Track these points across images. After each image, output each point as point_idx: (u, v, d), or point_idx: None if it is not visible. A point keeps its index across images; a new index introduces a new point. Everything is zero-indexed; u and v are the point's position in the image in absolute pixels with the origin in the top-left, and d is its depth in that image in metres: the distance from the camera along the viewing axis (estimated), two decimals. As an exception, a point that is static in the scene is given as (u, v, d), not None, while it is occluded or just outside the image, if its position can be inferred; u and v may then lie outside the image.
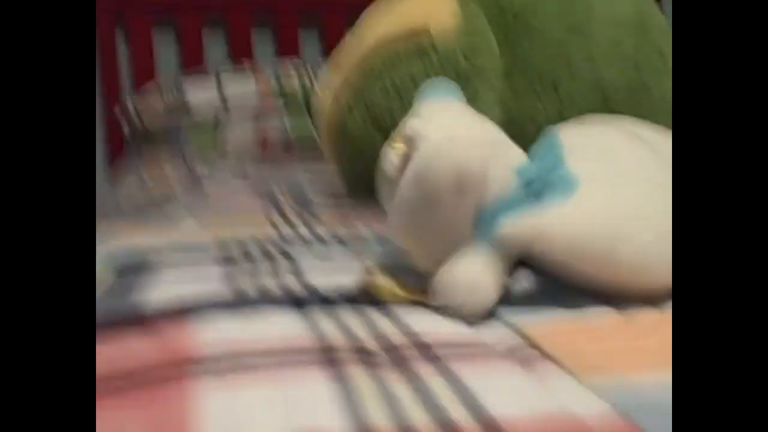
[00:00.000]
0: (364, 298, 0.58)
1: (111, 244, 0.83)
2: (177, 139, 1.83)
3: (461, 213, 0.54)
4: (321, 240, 0.83)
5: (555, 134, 0.65)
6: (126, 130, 1.97)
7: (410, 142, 0.56)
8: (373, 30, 1.07)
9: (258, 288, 0.60)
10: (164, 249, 0.78)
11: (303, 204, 1.08)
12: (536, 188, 0.56)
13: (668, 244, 0.54)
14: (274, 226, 0.93)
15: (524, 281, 0.56)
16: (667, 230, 0.55)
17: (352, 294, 0.58)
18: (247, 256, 0.74)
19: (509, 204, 0.55)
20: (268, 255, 0.73)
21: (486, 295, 0.54)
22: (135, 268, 0.70)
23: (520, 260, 0.56)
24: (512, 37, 1.08)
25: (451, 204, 0.53)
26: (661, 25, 1.11)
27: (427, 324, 0.52)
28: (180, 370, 0.44)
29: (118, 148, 2.05)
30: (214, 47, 2.18)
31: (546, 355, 0.47)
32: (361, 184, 1.07)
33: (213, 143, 1.79)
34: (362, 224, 0.90)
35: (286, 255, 0.73)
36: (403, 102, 0.99)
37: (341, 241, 0.82)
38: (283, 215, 1.01)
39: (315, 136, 1.76)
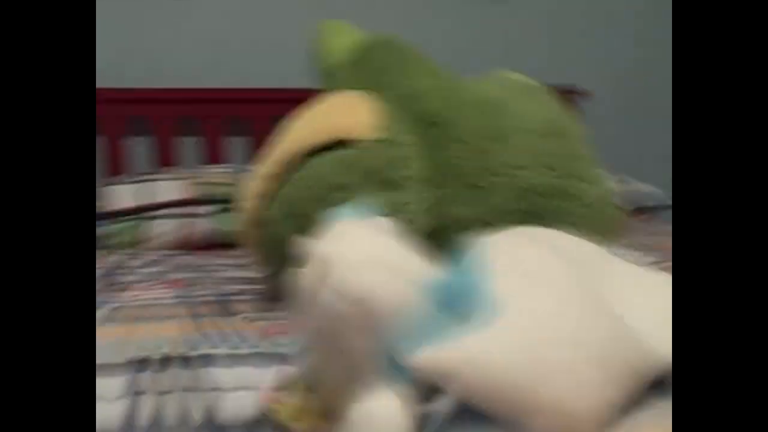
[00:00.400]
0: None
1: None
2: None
3: (366, 346, 0.51)
4: (238, 353, 0.79)
5: (477, 246, 0.61)
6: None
7: (319, 268, 0.53)
8: (297, 132, 1.07)
9: (156, 418, 0.56)
10: None
11: (224, 308, 1.03)
12: (452, 305, 0.52)
13: (598, 369, 0.50)
14: (191, 327, 0.88)
15: (444, 405, 0.51)
16: (595, 355, 0.51)
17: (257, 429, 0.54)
18: (156, 364, 0.69)
19: (418, 328, 0.50)
20: (176, 371, 0.69)
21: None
22: None
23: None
24: (434, 145, 1.09)
25: (354, 330, 0.50)
26: (575, 130, 1.14)
27: None
28: None
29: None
30: (139, 151, 2.15)
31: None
32: (279, 269, 1.04)
33: (134, 240, 1.79)
34: (280, 334, 0.86)
35: (197, 371, 0.69)
36: (323, 203, 0.97)
37: (259, 354, 0.77)
38: (201, 316, 0.96)
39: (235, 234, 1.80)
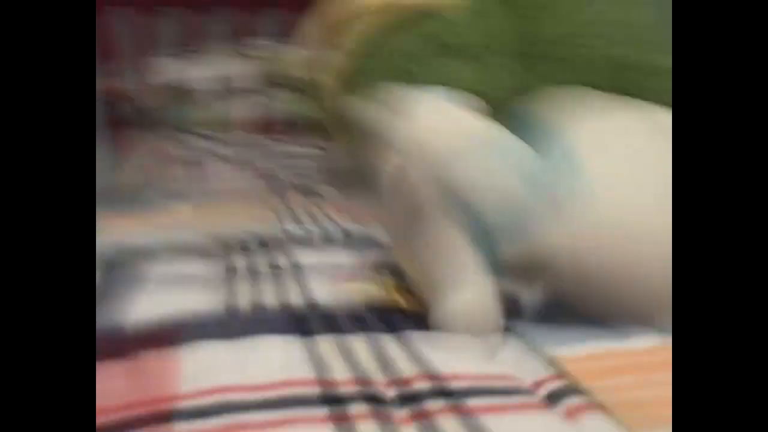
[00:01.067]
0: (373, 315, 0.50)
1: (100, 237, 0.76)
2: (177, 117, 1.80)
3: (451, 228, 0.48)
4: (327, 236, 0.75)
5: (569, 130, 0.55)
6: (126, 109, 1.90)
7: (401, 153, 0.51)
8: (381, 3, 1.00)
9: (255, 305, 0.53)
10: (155, 244, 0.70)
11: (308, 194, 0.99)
12: (546, 191, 0.49)
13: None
14: (278, 218, 0.85)
15: (536, 294, 0.50)
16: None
17: (358, 310, 0.51)
18: (247, 253, 0.66)
19: (510, 210, 0.48)
20: (268, 254, 0.66)
21: (489, 324, 0.48)
22: (121, 268, 0.63)
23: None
24: (522, 14, 1.02)
25: (438, 218, 0.48)
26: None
27: (447, 358, 0.44)
28: (162, 429, 0.36)
29: (117, 126, 1.97)
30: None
31: (595, 406, 0.39)
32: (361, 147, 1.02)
33: (214, 120, 1.76)
34: (368, 219, 0.82)
35: (288, 254, 0.66)
36: (409, 81, 0.94)
37: (347, 237, 0.73)
38: (288, 206, 0.93)
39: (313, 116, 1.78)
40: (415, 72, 0.92)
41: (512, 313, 0.49)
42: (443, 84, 0.95)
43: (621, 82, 0.98)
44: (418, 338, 0.47)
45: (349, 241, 0.71)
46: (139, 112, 1.85)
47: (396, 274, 0.56)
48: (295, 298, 0.54)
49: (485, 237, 0.48)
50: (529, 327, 0.49)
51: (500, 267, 0.48)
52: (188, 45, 1.99)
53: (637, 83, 0.99)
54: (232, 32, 2.06)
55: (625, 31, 0.99)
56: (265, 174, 1.18)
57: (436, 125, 0.53)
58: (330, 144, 1.49)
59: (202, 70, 1.83)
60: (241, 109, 1.81)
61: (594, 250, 0.48)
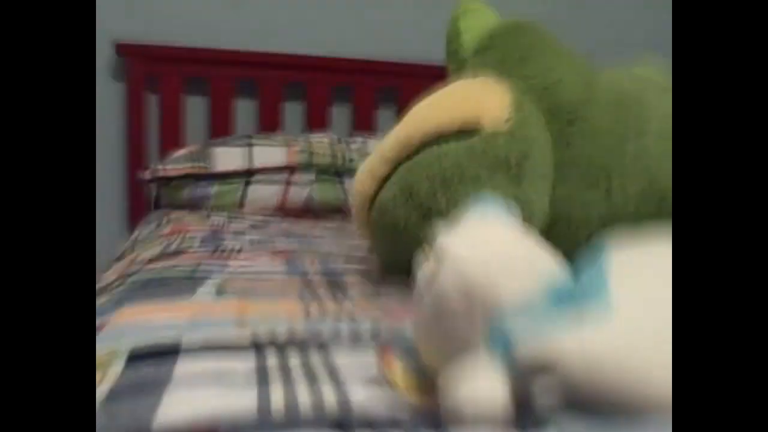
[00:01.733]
0: (413, 423, 0.51)
1: (123, 320, 0.76)
2: (201, 202, 1.83)
3: (469, 329, 0.53)
4: (356, 334, 0.76)
5: (605, 253, 0.59)
6: (151, 193, 1.94)
7: (437, 259, 0.56)
8: (423, 115, 1.03)
9: (291, 408, 0.52)
10: (184, 330, 0.70)
11: (335, 285, 1.00)
12: (568, 306, 0.52)
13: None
14: (305, 306, 0.85)
15: (548, 394, 0.51)
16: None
17: (399, 417, 0.51)
18: (278, 350, 0.66)
19: (530, 318, 0.51)
20: (300, 352, 0.66)
21: (496, 412, 0.50)
22: (149, 356, 0.63)
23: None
24: (565, 135, 1.03)
25: (460, 319, 0.52)
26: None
27: None
28: None
29: (138, 215, 2.00)
30: (244, 115, 2.15)
31: None
32: (393, 261, 1.03)
33: (235, 203, 1.84)
34: (397, 316, 0.82)
35: (322, 347, 0.66)
36: (447, 192, 0.96)
37: (376, 334, 0.73)
38: (314, 294, 0.93)
39: (339, 203, 1.85)
40: (456, 181, 0.95)
41: (524, 412, 0.50)
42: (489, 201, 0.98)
43: (660, 214, 1.00)
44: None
45: (378, 338, 0.72)
46: (164, 197, 1.88)
47: (412, 368, 0.58)
48: (329, 400, 0.54)
49: (501, 338, 0.51)
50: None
51: (514, 366, 0.50)
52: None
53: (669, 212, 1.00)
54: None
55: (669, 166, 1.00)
56: (287, 258, 1.19)
57: (475, 236, 0.57)
58: (348, 232, 1.51)
59: (231, 158, 1.87)
60: (262, 192, 1.86)
61: (605, 357, 0.49)
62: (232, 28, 2.14)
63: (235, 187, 1.85)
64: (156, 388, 0.55)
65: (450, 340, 0.53)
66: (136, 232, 1.68)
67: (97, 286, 1.20)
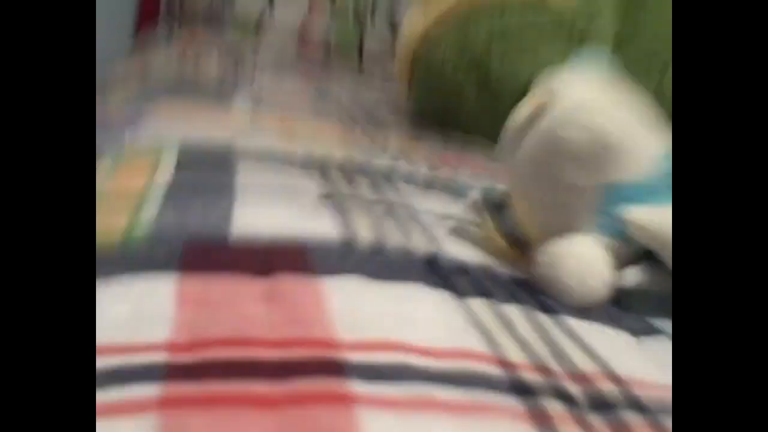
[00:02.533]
0: (519, 286, 0.44)
1: (161, 114, 0.67)
2: (217, 23, 1.70)
3: (586, 185, 0.46)
4: (421, 176, 0.68)
5: None
6: (162, 7, 1.80)
7: (551, 95, 0.48)
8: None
9: (382, 241, 0.45)
10: (233, 134, 0.62)
11: (378, 126, 0.91)
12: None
13: None
14: (350, 133, 0.77)
15: (638, 276, 0.46)
16: None
17: (501, 276, 0.45)
18: (346, 174, 0.58)
19: (648, 191, 0.46)
20: (371, 181, 0.58)
21: (599, 285, 0.45)
22: (203, 157, 0.55)
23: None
24: (628, 7, 0.95)
25: (578, 172, 0.45)
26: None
27: (620, 357, 0.37)
28: (337, 386, 0.29)
29: (146, 23, 1.85)
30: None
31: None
32: (432, 114, 0.96)
33: (254, 32, 1.66)
34: (453, 164, 0.75)
35: (394, 186, 0.58)
36: (508, 49, 0.89)
37: (438, 180, 0.66)
38: (354, 122, 0.85)
39: (357, 46, 1.70)
40: (518, 38, 0.88)
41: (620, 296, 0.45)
42: (537, 58, 0.90)
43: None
44: (577, 326, 0.41)
45: (441, 185, 0.64)
46: (177, 12, 1.75)
47: (503, 221, 0.51)
48: (426, 245, 0.47)
49: (614, 198, 0.45)
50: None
51: (620, 231, 0.45)
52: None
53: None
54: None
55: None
56: (321, 96, 1.10)
57: (592, 91, 0.50)
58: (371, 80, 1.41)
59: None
60: (281, 26, 1.71)
61: None
62: None
63: (253, 18, 1.71)
64: (222, 194, 0.48)
65: (560, 194, 0.46)
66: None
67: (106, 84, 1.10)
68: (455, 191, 0.60)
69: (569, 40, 0.89)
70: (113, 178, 0.50)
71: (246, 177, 0.52)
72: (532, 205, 0.49)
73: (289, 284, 0.36)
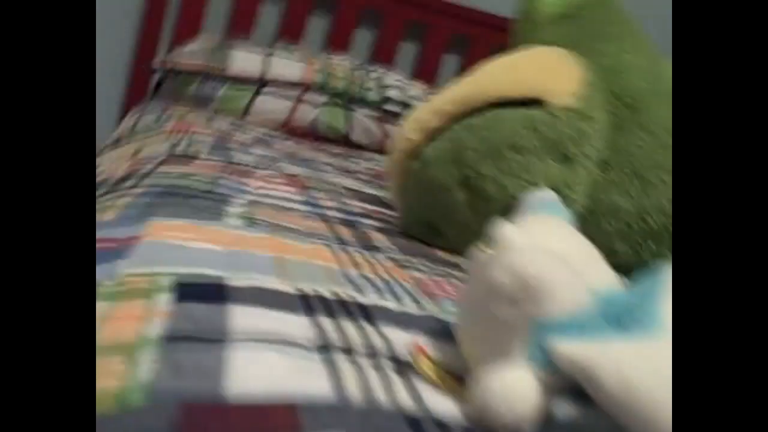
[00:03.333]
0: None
1: (155, 237, 0.70)
2: (206, 102, 1.75)
3: (514, 321, 0.49)
4: (396, 295, 0.70)
5: (664, 271, 0.55)
6: (156, 80, 1.85)
7: (498, 245, 0.53)
8: (490, 76, 0.96)
9: (369, 400, 0.47)
10: (224, 265, 0.65)
11: (361, 237, 0.92)
12: (620, 320, 0.49)
13: None
14: (336, 257, 0.78)
15: (569, 409, 0.49)
16: None
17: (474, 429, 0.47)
18: (331, 314, 0.60)
19: (577, 325, 0.48)
20: (355, 322, 0.60)
21: (527, 411, 0.47)
22: (196, 294, 0.57)
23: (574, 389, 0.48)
24: (620, 127, 0.98)
25: (505, 309, 0.49)
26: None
27: None
28: None
29: (135, 101, 1.90)
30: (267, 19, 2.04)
31: None
32: (420, 218, 0.99)
33: (240, 110, 1.76)
34: (431, 291, 0.77)
35: (376, 326, 0.60)
36: (496, 159, 0.92)
37: (420, 309, 0.67)
38: (341, 241, 0.86)
39: (344, 132, 1.80)
40: (508, 158, 0.90)
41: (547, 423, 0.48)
42: (527, 178, 0.92)
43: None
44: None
45: (428, 321, 0.66)
46: (169, 87, 1.79)
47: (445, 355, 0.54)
48: (407, 400, 0.48)
49: (543, 350, 0.48)
50: None
51: (550, 363, 0.47)
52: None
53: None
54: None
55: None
56: (301, 187, 1.13)
57: (539, 234, 0.56)
58: (353, 163, 1.44)
59: (248, 61, 1.79)
60: (269, 104, 1.78)
61: (649, 369, 0.45)
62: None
63: (244, 94, 1.78)
64: (215, 341, 0.50)
65: (493, 328, 0.49)
66: (131, 118, 1.60)
67: (100, 178, 1.13)
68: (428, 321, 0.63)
69: (562, 151, 0.92)
70: (105, 322, 0.52)
71: (239, 321, 0.54)
72: (473, 337, 0.52)
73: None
